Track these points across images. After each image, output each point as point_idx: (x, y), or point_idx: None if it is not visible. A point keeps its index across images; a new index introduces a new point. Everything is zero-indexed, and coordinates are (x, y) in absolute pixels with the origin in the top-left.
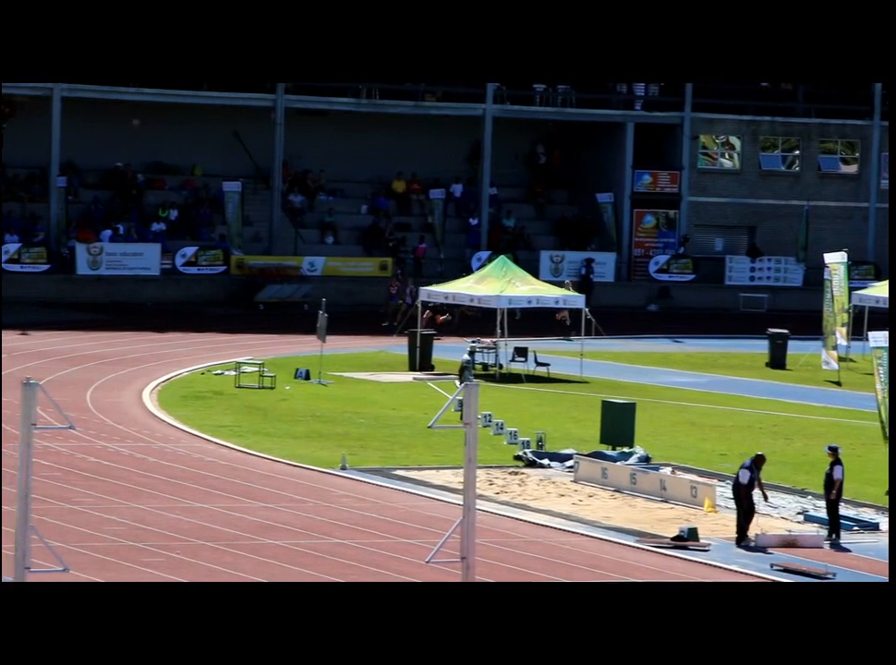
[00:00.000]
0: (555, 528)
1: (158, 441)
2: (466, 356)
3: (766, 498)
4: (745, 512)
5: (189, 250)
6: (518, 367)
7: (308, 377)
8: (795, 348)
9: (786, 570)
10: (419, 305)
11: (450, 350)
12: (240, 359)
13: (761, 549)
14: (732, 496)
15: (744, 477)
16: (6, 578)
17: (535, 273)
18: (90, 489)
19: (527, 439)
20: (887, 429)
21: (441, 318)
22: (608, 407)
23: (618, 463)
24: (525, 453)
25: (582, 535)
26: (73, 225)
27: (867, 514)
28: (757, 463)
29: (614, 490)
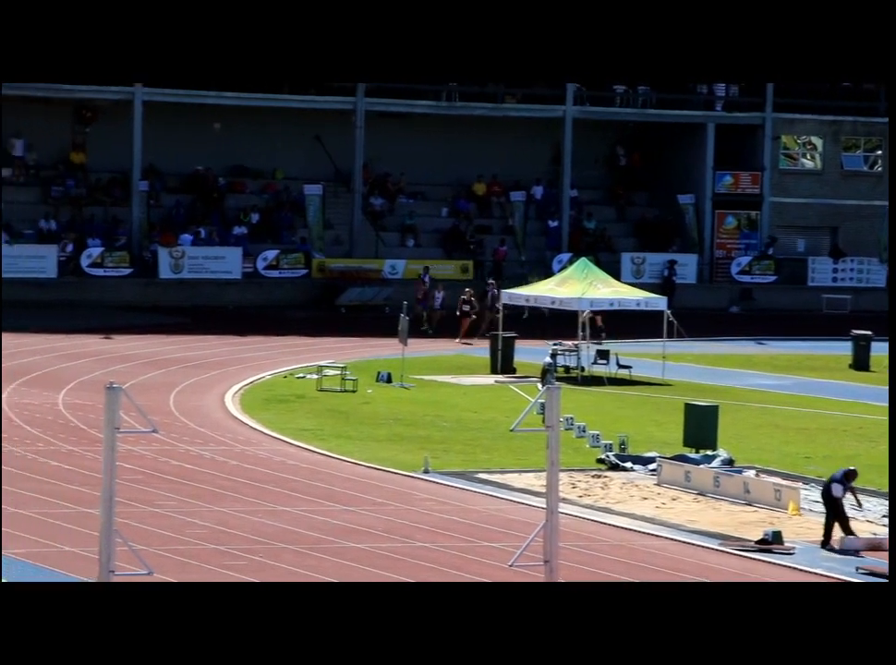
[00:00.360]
0: (638, 532)
1: (240, 444)
2: (548, 359)
3: (860, 505)
4: (838, 520)
5: (271, 254)
6: (600, 369)
7: (389, 380)
8: (879, 350)
9: (872, 573)
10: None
11: (532, 353)
12: (322, 363)
13: (849, 552)
14: (818, 500)
15: (837, 490)
16: (91, 581)
17: (616, 275)
18: (172, 492)
19: (610, 442)
20: None
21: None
22: (691, 410)
23: (701, 466)
24: (607, 457)
25: (665, 538)
26: (155, 229)
27: None
28: (849, 477)
29: (698, 493)
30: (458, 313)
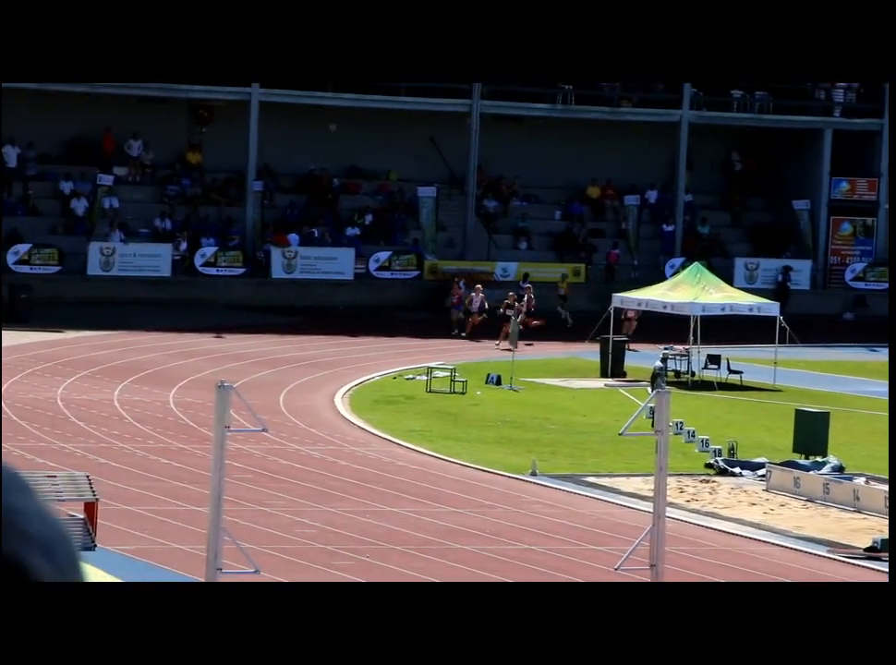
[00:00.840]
0: (745, 537)
1: (349, 444)
2: (659, 363)
3: None
4: None
5: (383, 255)
6: (711, 374)
7: (499, 382)
8: None
9: None
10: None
11: (642, 357)
12: (432, 364)
13: None
14: None
15: None
16: (198, 579)
17: (729, 281)
18: (281, 491)
19: (719, 447)
20: None
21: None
22: (801, 416)
23: (811, 472)
24: (716, 462)
25: (772, 544)
26: (269, 229)
27: None
28: None
29: (807, 500)
30: (501, 315)
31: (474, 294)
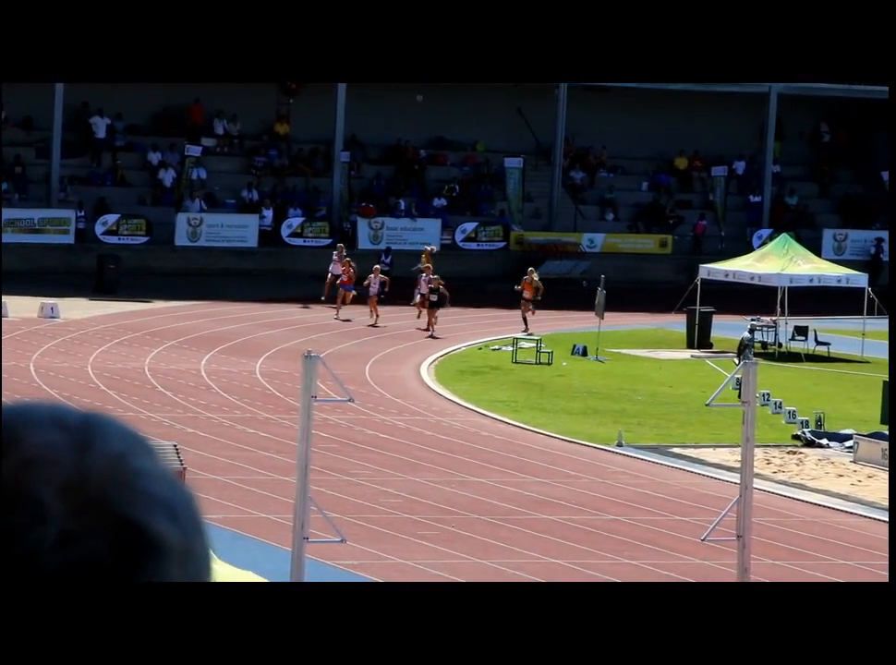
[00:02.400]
0: (832, 509)
1: (435, 414)
2: (747, 334)
3: None
4: None
5: (469, 226)
6: (798, 346)
7: (585, 353)
8: None
9: None
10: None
11: (728, 328)
12: (518, 335)
13: None
14: None
15: None
16: (285, 548)
17: (817, 252)
18: (366, 461)
19: (806, 418)
20: None
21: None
22: (889, 387)
23: None
24: (803, 433)
25: (859, 515)
26: (355, 200)
27: None
28: None
29: None
30: (419, 300)
31: (372, 277)
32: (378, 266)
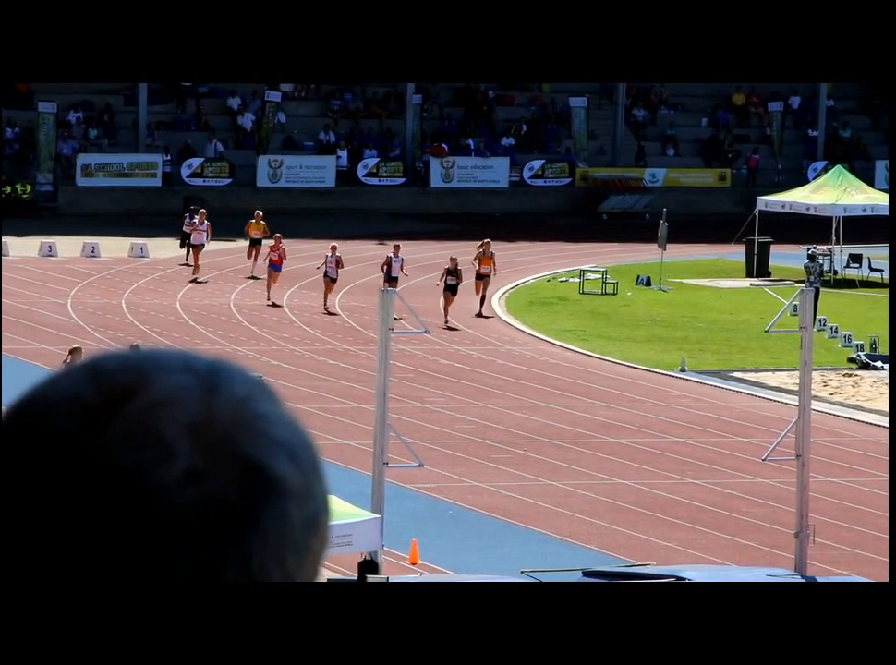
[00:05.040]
0: (887, 427)
1: (506, 344)
2: (808, 261)
3: None
4: None
5: (537, 163)
6: (853, 273)
7: (648, 283)
8: None
9: None
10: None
11: (786, 257)
12: (584, 267)
13: None
14: None
15: None
16: (365, 473)
17: (870, 183)
18: (441, 389)
19: (861, 342)
20: None
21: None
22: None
23: None
24: (858, 356)
25: None
26: (427, 141)
27: None
28: None
29: None
30: (441, 285)
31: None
32: (334, 245)
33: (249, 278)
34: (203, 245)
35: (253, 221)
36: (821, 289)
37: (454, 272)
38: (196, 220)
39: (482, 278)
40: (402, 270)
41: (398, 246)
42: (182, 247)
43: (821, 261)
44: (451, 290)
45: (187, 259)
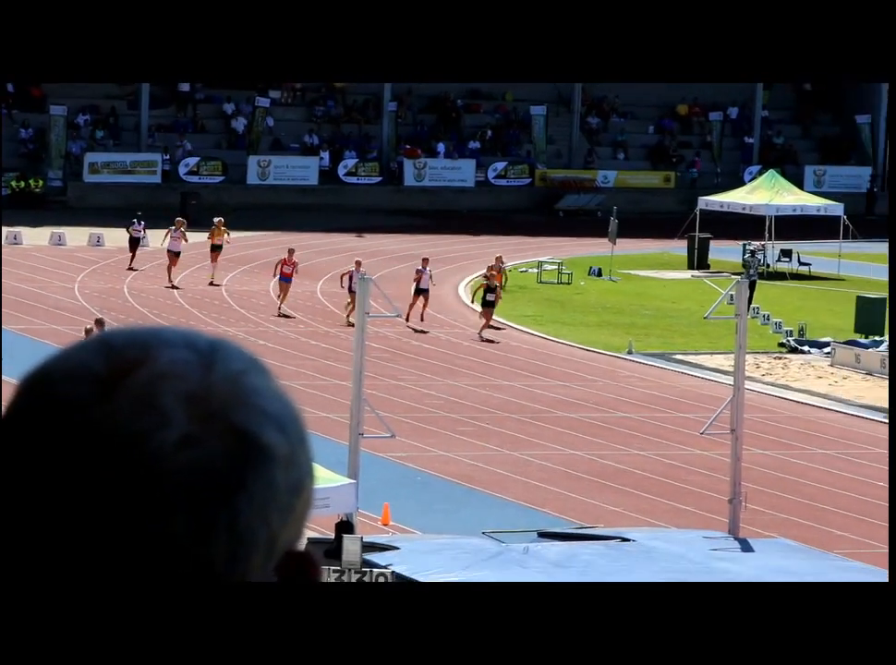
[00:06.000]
0: (813, 405)
1: (471, 328)
2: (748, 256)
3: None
4: None
5: (500, 165)
6: (784, 266)
7: (600, 274)
8: None
9: None
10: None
11: (723, 252)
12: (542, 259)
13: None
14: None
15: None
16: (342, 443)
17: (800, 185)
18: (413, 368)
19: (790, 328)
20: None
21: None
22: (862, 301)
23: (870, 349)
24: (788, 341)
25: (836, 411)
26: (402, 143)
27: None
28: None
29: (866, 373)
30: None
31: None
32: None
33: (210, 285)
34: (180, 252)
35: (214, 227)
36: (756, 281)
37: (492, 288)
38: (172, 228)
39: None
40: (431, 281)
41: (427, 259)
42: (130, 250)
43: (759, 257)
44: (488, 305)
45: (131, 264)
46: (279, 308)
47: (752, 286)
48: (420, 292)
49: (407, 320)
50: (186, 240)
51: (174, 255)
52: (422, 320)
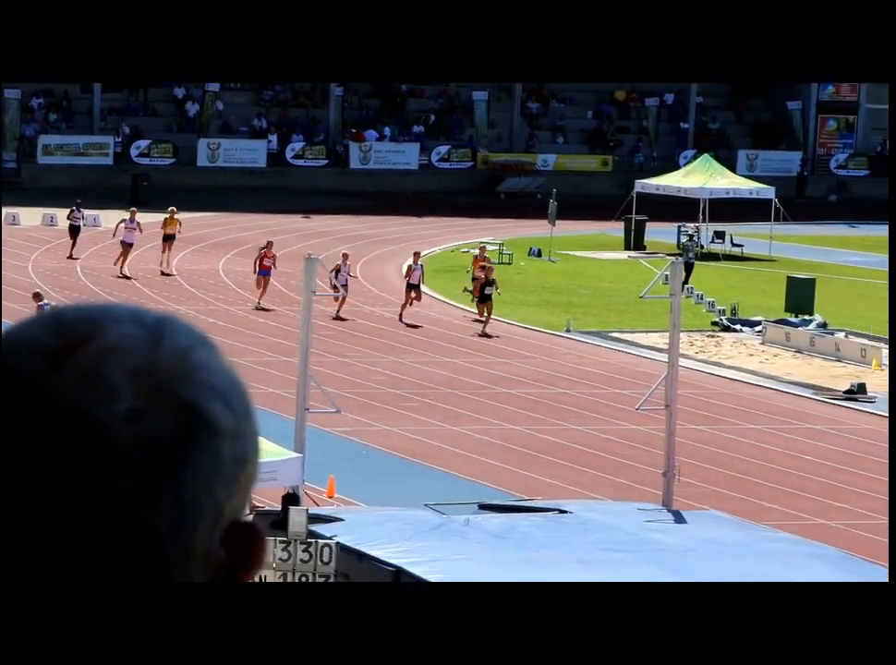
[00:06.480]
0: (744, 382)
1: (415, 306)
2: (685, 239)
3: None
4: None
5: (443, 149)
6: (717, 247)
7: (539, 254)
8: None
9: None
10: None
11: (659, 233)
12: (483, 240)
13: None
14: None
15: None
16: (289, 417)
17: (733, 169)
18: (357, 345)
19: (723, 307)
20: None
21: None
22: (792, 281)
23: (799, 328)
24: (720, 320)
25: (767, 388)
26: (348, 127)
27: None
28: None
29: (796, 351)
30: (476, 296)
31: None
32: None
33: (163, 274)
34: (133, 243)
35: (167, 217)
36: (683, 261)
37: (490, 282)
38: (127, 218)
39: (477, 281)
40: (422, 278)
41: (418, 253)
42: (71, 238)
43: (697, 240)
44: (485, 299)
45: (71, 252)
46: (258, 302)
47: (689, 268)
48: (412, 288)
49: (401, 318)
50: (140, 231)
51: (127, 245)
52: (402, 310)
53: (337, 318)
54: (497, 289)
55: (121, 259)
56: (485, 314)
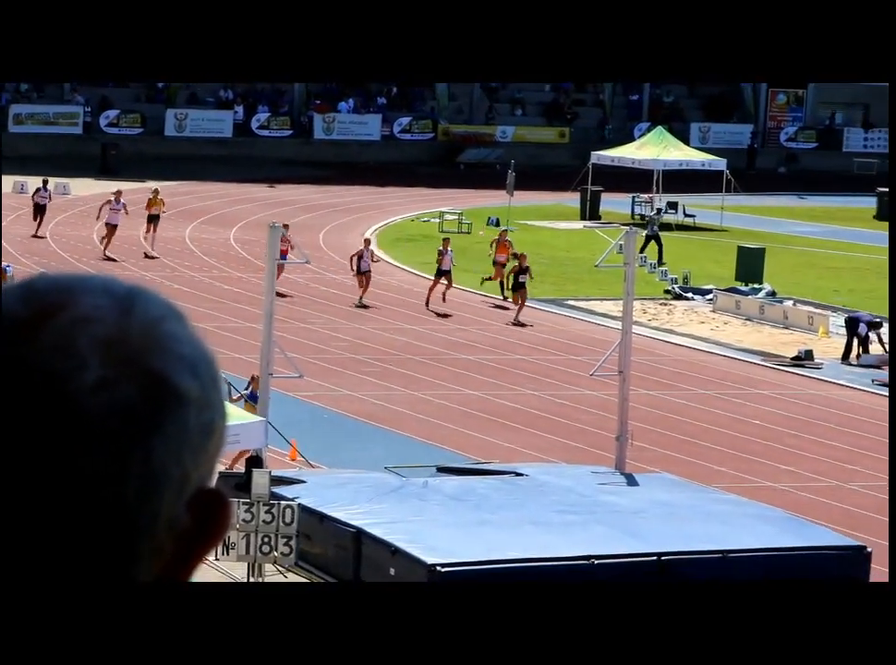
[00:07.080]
0: (695, 349)
1: (376, 274)
2: (653, 214)
3: (885, 349)
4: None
5: (405, 120)
6: (670, 217)
7: (497, 224)
8: None
9: (883, 384)
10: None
11: (614, 204)
12: (443, 209)
13: (865, 366)
14: (843, 325)
15: (863, 329)
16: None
17: (686, 141)
18: (320, 311)
19: (676, 276)
20: None
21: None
22: (742, 251)
23: (749, 297)
24: (673, 288)
25: (717, 354)
26: (312, 99)
27: None
28: (874, 326)
29: (745, 319)
30: (510, 284)
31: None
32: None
33: (147, 257)
34: (117, 225)
35: (151, 196)
36: (643, 231)
37: (524, 269)
38: (113, 199)
39: (498, 266)
40: (452, 263)
41: (448, 239)
42: (35, 219)
43: (660, 215)
44: (517, 288)
45: (37, 231)
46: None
47: (657, 240)
48: (442, 273)
49: (427, 304)
50: (126, 213)
51: (111, 227)
52: (444, 301)
53: (360, 305)
54: (531, 276)
55: (106, 240)
56: (518, 302)
